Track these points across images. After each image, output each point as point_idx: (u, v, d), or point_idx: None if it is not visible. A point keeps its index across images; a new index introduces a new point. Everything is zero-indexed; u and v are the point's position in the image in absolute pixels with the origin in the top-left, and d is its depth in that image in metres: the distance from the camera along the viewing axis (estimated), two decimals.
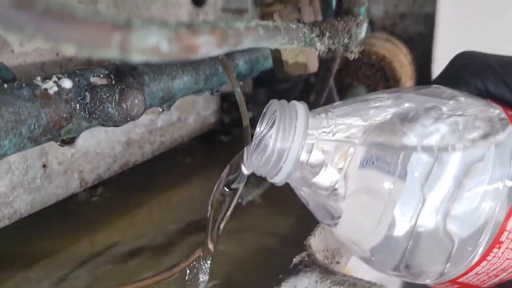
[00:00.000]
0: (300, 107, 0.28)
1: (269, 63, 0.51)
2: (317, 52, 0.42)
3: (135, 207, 0.47)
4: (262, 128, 0.29)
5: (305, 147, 0.28)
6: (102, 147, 0.47)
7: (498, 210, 0.26)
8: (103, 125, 0.36)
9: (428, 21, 0.72)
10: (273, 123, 0.28)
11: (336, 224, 0.28)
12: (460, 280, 0.28)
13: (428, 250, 0.27)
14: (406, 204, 0.26)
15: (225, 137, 0.62)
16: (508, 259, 0.27)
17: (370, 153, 0.27)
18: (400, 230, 0.26)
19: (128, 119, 0.31)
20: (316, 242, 0.32)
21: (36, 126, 0.30)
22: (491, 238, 0.26)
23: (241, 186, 0.30)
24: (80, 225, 0.44)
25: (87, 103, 0.32)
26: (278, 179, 0.29)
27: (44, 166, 0.42)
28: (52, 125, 0.31)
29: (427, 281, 0.29)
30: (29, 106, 0.29)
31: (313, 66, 0.42)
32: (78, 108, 0.32)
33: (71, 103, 0.31)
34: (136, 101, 0.31)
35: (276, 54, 0.43)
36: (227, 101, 0.63)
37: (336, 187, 0.28)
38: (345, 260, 0.37)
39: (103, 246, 0.41)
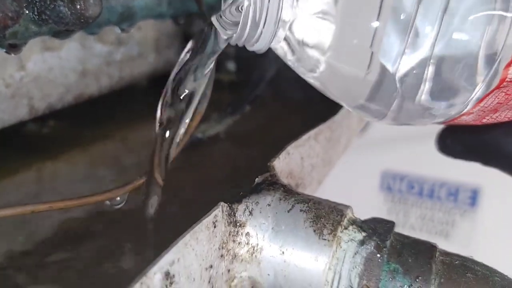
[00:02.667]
0: None
1: None
2: None
3: (88, 141, 0.44)
4: None
5: None
6: (54, 74, 0.44)
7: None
8: (56, 35, 0.33)
9: None
10: None
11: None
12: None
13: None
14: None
15: None
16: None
17: None
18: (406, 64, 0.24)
19: (82, 20, 0.28)
20: (279, 165, 0.31)
21: None
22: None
23: (213, 63, 0.27)
24: (28, 154, 0.41)
25: (36, 1, 0.28)
26: (262, 41, 0.25)
27: None
28: None
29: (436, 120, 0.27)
30: None
31: None
32: (26, 7, 0.28)
33: (19, 1, 0.28)
34: (91, 0, 0.28)
35: None
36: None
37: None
38: (308, 192, 0.36)
39: (51, 176, 0.38)
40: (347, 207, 0.27)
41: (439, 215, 1.51)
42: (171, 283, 0.21)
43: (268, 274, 0.26)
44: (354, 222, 0.27)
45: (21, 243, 0.29)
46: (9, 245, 0.29)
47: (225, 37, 0.27)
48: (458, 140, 0.31)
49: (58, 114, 0.45)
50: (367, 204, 1.44)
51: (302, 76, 0.28)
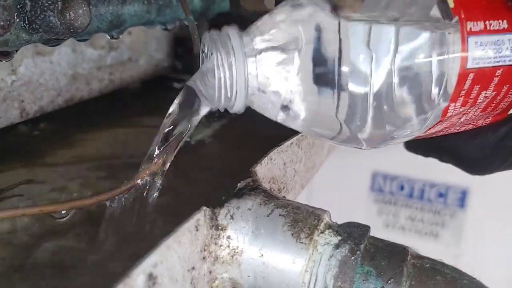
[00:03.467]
0: (230, 29, 0.28)
1: (225, 4, 0.50)
2: None
3: (79, 142, 0.45)
4: (207, 63, 0.29)
5: (249, 65, 0.27)
6: (45, 78, 0.45)
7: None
8: (46, 42, 0.34)
9: None
10: (211, 53, 0.28)
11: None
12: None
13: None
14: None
15: (177, 84, 0.60)
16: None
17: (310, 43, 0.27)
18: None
19: (72, 30, 0.29)
20: (262, 171, 0.32)
21: None
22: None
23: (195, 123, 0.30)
24: (19, 155, 0.41)
25: (27, 11, 0.29)
26: (237, 107, 0.28)
27: None
28: None
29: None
30: None
31: (271, 2, 0.41)
32: (17, 16, 0.29)
33: (10, 10, 0.29)
34: (80, 11, 0.29)
35: None
36: (182, 46, 0.61)
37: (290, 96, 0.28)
38: (291, 196, 0.37)
39: (42, 175, 0.39)
40: (325, 211, 0.29)
41: (429, 216, 1.53)
42: (154, 284, 0.22)
43: (248, 276, 0.27)
44: (330, 226, 0.28)
45: None
46: None
47: (207, 108, 0.30)
48: (419, 142, 0.36)
49: (49, 117, 0.46)
50: (358, 204, 1.45)
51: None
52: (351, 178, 1.45)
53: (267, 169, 0.33)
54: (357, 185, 1.49)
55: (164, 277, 0.23)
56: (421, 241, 1.30)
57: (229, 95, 0.28)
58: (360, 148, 0.30)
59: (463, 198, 1.47)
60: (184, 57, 0.61)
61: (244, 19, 0.44)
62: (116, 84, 0.52)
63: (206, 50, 0.29)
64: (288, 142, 0.35)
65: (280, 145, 0.34)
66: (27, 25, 0.30)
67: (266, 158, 0.32)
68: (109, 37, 0.39)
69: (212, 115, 0.48)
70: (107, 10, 0.36)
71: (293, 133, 0.37)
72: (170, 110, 0.30)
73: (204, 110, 0.30)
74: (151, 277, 0.22)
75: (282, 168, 0.35)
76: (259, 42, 0.28)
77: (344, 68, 0.27)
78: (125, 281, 0.20)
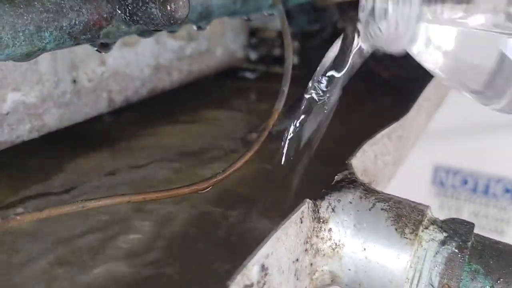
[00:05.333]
0: None
1: None
2: None
3: (159, 131, 0.46)
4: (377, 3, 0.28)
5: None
6: (131, 69, 0.46)
7: None
8: (141, 33, 0.35)
9: None
10: None
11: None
12: None
13: None
14: None
15: (251, 74, 0.61)
16: None
17: None
18: None
19: (172, 22, 0.29)
20: (356, 163, 0.31)
21: (77, 22, 0.28)
22: None
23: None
24: (105, 143, 0.43)
25: (128, 3, 0.30)
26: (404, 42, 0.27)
27: (74, 81, 0.41)
28: (92, 23, 0.29)
29: None
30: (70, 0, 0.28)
31: None
32: (118, 8, 0.30)
33: (113, 3, 0.30)
34: (180, 2, 0.29)
35: None
36: (255, 36, 0.61)
37: None
38: (380, 189, 0.37)
39: (126, 160, 0.40)
40: (427, 206, 0.28)
41: (494, 212, 1.47)
42: (265, 275, 0.22)
43: (349, 269, 0.27)
44: (434, 222, 0.27)
45: None
46: None
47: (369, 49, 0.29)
48: None
49: (132, 108, 0.47)
50: (419, 198, 1.42)
51: (428, 68, 0.30)
52: (412, 171, 1.41)
53: (360, 161, 0.32)
54: (418, 179, 1.46)
55: (273, 268, 0.23)
56: None
57: (400, 30, 0.27)
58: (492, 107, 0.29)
59: None
60: (258, 47, 0.61)
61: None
62: (194, 75, 0.53)
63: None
64: (379, 134, 0.34)
65: (372, 137, 0.34)
66: (128, 17, 0.31)
67: (360, 150, 0.32)
68: (195, 28, 0.40)
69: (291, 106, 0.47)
70: (197, 2, 0.37)
71: (375, 125, 0.36)
72: (330, 51, 0.30)
73: (366, 50, 0.30)
74: (263, 268, 0.22)
75: (373, 160, 0.34)
76: None
77: None
78: (243, 271, 0.20)
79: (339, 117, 0.43)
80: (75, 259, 0.28)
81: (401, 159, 0.41)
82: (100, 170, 0.38)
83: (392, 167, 0.39)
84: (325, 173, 0.30)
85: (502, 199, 1.43)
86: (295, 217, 0.24)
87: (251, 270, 0.21)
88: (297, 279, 0.25)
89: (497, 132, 1.31)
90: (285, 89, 0.34)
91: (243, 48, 0.60)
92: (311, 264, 0.27)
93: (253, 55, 0.61)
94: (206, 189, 0.30)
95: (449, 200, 1.49)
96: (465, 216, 1.48)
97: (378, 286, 0.27)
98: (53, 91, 0.39)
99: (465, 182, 1.47)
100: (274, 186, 0.34)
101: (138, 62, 0.46)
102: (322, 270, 0.27)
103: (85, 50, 0.42)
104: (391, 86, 0.57)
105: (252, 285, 0.21)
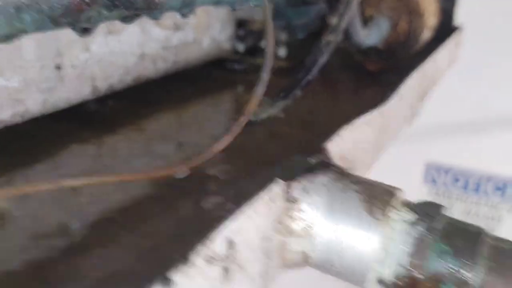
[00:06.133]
0: None
1: None
2: None
3: (144, 118, 0.46)
4: None
5: None
6: (116, 57, 0.46)
7: None
8: (123, 19, 0.35)
9: None
10: None
11: None
12: None
13: None
14: None
15: (238, 66, 0.61)
16: None
17: None
18: None
19: (152, 6, 0.30)
20: (333, 148, 0.32)
21: (58, 5, 0.29)
22: None
23: None
24: (88, 129, 0.43)
25: None
26: None
27: (58, 67, 0.41)
28: (73, 7, 0.30)
29: None
30: None
31: None
32: None
33: None
34: None
35: None
36: (242, 28, 0.61)
37: None
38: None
39: (110, 147, 0.40)
40: (399, 189, 0.28)
41: (485, 210, 1.48)
42: (233, 250, 0.22)
43: (321, 250, 0.27)
44: (406, 204, 0.27)
45: None
46: None
47: None
48: None
49: (116, 96, 0.48)
50: (410, 196, 1.43)
51: None
52: (403, 169, 1.42)
53: (337, 146, 0.32)
54: (409, 176, 1.46)
55: (241, 244, 0.23)
56: None
57: None
58: None
59: None
60: (245, 39, 0.61)
61: None
62: (180, 65, 0.53)
63: None
64: (358, 121, 0.35)
65: (350, 123, 0.34)
66: (109, 1, 0.31)
67: (337, 135, 0.32)
68: (179, 16, 0.40)
69: (277, 95, 0.48)
70: None
71: (359, 114, 0.37)
72: None
73: None
74: (230, 243, 0.22)
75: (351, 146, 0.34)
76: None
77: None
78: (207, 243, 0.21)
79: (325, 109, 0.43)
80: None
81: (381, 147, 0.41)
82: (84, 155, 0.38)
83: (371, 154, 0.39)
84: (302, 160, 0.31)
85: (492, 197, 1.44)
86: (265, 195, 0.25)
87: (215, 242, 0.21)
88: (268, 257, 0.26)
89: (488, 130, 1.32)
90: (266, 75, 0.34)
91: (230, 39, 0.60)
92: (282, 244, 0.27)
93: (240, 47, 0.62)
94: (184, 172, 0.31)
95: (441, 198, 1.50)
96: (456, 214, 1.48)
97: (349, 266, 0.27)
98: (36, 76, 0.40)
99: (457, 180, 1.48)
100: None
101: (123, 50, 0.46)
102: (293, 250, 0.28)
103: (70, 36, 0.42)
104: (377, 78, 0.57)
105: (217, 258, 0.21)
